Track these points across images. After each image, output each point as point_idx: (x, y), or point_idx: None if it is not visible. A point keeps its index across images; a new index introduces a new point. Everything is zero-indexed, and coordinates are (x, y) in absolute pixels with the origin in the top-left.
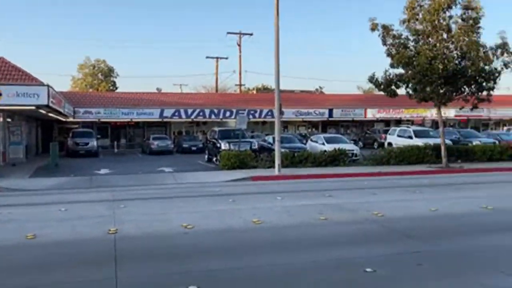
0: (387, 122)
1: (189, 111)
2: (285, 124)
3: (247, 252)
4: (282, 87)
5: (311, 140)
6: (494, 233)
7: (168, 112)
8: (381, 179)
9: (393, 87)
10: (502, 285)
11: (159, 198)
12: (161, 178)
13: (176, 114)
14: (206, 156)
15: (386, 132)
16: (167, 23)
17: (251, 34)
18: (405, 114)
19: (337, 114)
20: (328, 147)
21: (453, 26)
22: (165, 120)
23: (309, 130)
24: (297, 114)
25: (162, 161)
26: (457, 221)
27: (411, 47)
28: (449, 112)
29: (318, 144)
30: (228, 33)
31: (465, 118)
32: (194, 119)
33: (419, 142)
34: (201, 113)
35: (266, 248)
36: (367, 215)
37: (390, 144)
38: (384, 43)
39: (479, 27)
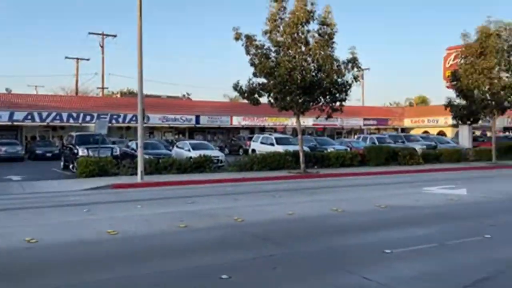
0: (252, 130)
1: (44, 114)
2: (151, 130)
3: (95, 266)
4: (149, 92)
5: (177, 147)
6: (343, 233)
7: (19, 115)
8: (244, 184)
9: (256, 95)
10: (347, 283)
11: (2, 210)
12: (6, 188)
13: (29, 117)
14: (62, 163)
15: (250, 139)
16: (21, 19)
17: (115, 36)
18: (268, 122)
19: (204, 121)
20: (194, 154)
21: (311, 40)
22: (15, 123)
23: (176, 136)
24: (164, 120)
25: (10, 168)
26: (311, 224)
27: (273, 58)
28: (308, 121)
29: (184, 150)
30: (90, 33)
31: (322, 126)
32: (50, 123)
33: (280, 148)
34: (58, 117)
35: (118, 260)
36: (227, 220)
37: (254, 150)
38: (248, 53)
39: (333, 42)
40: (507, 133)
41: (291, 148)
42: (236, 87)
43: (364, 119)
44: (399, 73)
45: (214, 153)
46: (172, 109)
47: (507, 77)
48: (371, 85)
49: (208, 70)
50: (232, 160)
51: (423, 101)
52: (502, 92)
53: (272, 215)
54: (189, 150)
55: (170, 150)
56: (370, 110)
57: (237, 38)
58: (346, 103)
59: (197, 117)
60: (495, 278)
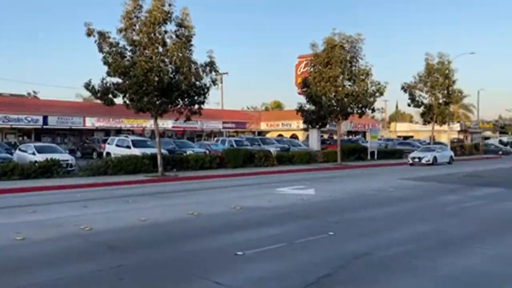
0: (108, 132)
1: None
2: None
3: None
4: None
5: (20, 150)
6: (198, 238)
7: None
8: (96, 190)
9: (110, 96)
10: None
11: None
12: None
13: None
14: None
15: (105, 141)
16: None
17: None
18: (125, 123)
19: (53, 122)
20: (40, 157)
21: (168, 41)
22: None
23: (20, 138)
24: (5, 120)
25: None
26: (165, 229)
27: (128, 57)
28: (167, 123)
29: (28, 154)
30: None
31: (182, 129)
32: None
33: (137, 151)
34: None
35: None
36: (73, 230)
37: (108, 154)
38: (101, 50)
39: (191, 45)
40: (350, 137)
41: (148, 151)
42: (88, 86)
43: (224, 122)
44: (256, 78)
45: (63, 156)
46: (16, 108)
47: (349, 85)
48: (230, 89)
49: (59, 68)
50: (84, 164)
51: (278, 105)
52: (345, 99)
53: (124, 222)
54: (33, 154)
55: (12, 154)
56: (229, 113)
57: (89, 34)
58: (206, 106)
59: (45, 118)
60: (336, 274)
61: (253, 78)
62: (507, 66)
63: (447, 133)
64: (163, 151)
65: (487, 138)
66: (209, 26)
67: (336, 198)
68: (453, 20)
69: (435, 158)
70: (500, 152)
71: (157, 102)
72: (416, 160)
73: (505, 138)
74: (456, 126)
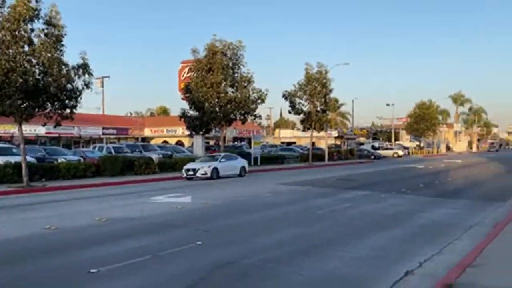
0: None
1: None
2: None
3: None
4: None
5: None
6: (48, 255)
7: None
8: None
9: None
10: None
11: None
12: None
13: None
14: None
15: None
16: None
17: None
18: None
19: None
20: None
21: (36, 40)
22: None
23: None
24: None
25: None
26: (12, 247)
27: None
28: (40, 129)
29: None
30: None
31: (57, 135)
32: None
33: None
34: None
35: None
36: None
37: None
38: None
39: (62, 45)
40: (235, 143)
41: (13, 159)
42: None
43: (104, 128)
44: (141, 83)
45: None
46: None
47: (232, 92)
48: (114, 94)
49: None
50: None
51: (164, 111)
52: (228, 106)
53: None
54: None
55: None
56: (111, 119)
57: None
58: (84, 111)
59: None
60: (196, 286)
61: (138, 83)
62: (378, 77)
63: (325, 139)
64: (31, 159)
65: (361, 143)
66: (90, 27)
67: (212, 205)
68: (332, 32)
69: (215, 170)
70: (373, 157)
71: (22, 106)
72: (191, 173)
73: (376, 144)
74: (334, 133)
